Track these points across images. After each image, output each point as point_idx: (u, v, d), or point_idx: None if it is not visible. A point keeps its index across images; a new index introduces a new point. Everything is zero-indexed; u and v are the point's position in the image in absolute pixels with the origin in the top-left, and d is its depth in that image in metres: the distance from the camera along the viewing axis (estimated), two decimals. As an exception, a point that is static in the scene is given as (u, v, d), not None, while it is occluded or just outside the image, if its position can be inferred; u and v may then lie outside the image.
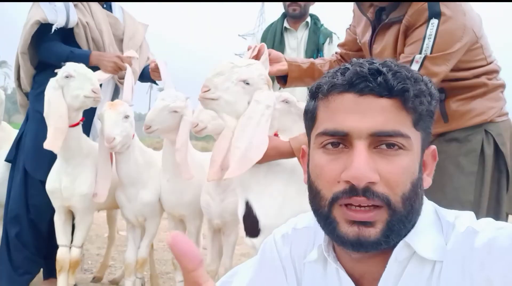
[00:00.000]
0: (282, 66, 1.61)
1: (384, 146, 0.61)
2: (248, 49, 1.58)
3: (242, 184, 1.49)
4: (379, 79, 0.61)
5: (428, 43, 1.29)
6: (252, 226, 1.44)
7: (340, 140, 0.63)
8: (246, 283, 0.81)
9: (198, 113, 1.93)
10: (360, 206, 0.60)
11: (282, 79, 1.68)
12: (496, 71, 1.45)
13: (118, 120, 1.91)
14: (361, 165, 0.59)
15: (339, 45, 1.78)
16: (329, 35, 2.54)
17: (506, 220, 1.41)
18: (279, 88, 2.35)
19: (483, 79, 1.41)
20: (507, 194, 1.40)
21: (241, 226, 1.53)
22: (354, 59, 0.67)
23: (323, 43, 2.51)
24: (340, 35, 2.60)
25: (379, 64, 0.62)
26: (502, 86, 1.46)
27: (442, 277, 0.61)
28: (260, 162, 1.38)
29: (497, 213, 1.38)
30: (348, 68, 0.64)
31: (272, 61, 1.58)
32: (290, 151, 1.40)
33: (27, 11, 2.25)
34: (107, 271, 2.78)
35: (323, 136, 0.64)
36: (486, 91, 1.41)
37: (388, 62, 0.63)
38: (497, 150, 1.39)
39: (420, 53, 1.29)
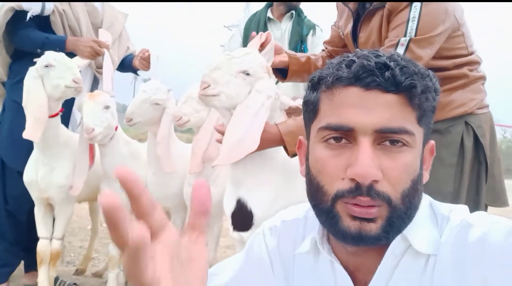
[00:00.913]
0: (283, 58, 1.57)
1: (387, 143, 0.60)
2: (251, 38, 1.52)
3: (234, 180, 1.46)
4: (387, 74, 0.59)
5: (412, 25, 1.29)
6: (244, 220, 1.41)
7: (344, 135, 0.61)
8: (232, 275, 0.81)
9: (181, 106, 1.90)
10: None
11: (279, 73, 1.64)
12: (477, 63, 1.45)
13: (98, 110, 1.87)
14: (367, 162, 0.58)
15: (325, 43, 1.77)
16: (312, 27, 2.53)
17: (485, 211, 1.43)
18: (276, 82, 2.35)
19: (464, 70, 1.41)
20: (486, 185, 1.42)
21: (228, 219, 1.51)
22: (358, 50, 0.66)
23: (307, 35, 2.50)
24: (322, 28, 2.60)
25: (386, 58, 0.61)
26: (482, 78, 1.46)
27: (436, 270, 0.61)
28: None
29: (476, 204, 1.39)
30: (354, 61, 0.61)
31: (274, 52, 1.54)
32: (278, 135, 1.34)
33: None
34: (90, 264, 2.75)
35: (326, 130, 0.62)
36: (467, 82, 1.42)
37: (395, 56, 0.62)
38: (477, 142, 1.40)
39: (405, 35, 1.29)
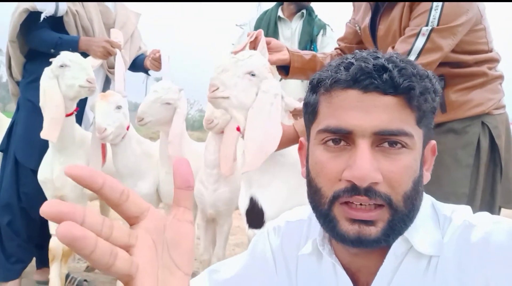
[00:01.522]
0: (283, 55, 1.57)
1: (386, 144, 0.60)
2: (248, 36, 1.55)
3: (246, 178, 1.49)
4: (385, 76, 0.59)
5: (435, 14, 1.27)
6: (257, 218, 1.44)
7: (342, 138, 0.61)
8: (234, 272, 0.82)
9: (213, 109, 1.87)
10: (361, 204, 0.59)
11: (283, 70, 1.65)
12: (496, 61, 1.43)
13: (110, 110, 1.90)
14: (365, 165, 0.58)
15: (339, 40, 1.76)
16: (323, 26, 2.52)
17: (498, 213, 1.41)
18: (280, 79, 2.34)
19: (484, 68, 1.39)
20: (500, 187, 1.40)
21: (237, 217, 1.53)
22: (357, 51, 0.65)
23: (317, 35, 2.49)
24: (333, 28, 2.59)
25: (384, 60, 0.60)
26: (501, 77, 1.44)
27: (438, 271, 0.61)
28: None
29: (490, 206, 1.37)
30: (352, 63, 0.61)
31: (272, 49, 1.55)
32: (295, 134, 1.38)
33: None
34: (101, 260, 2.78)
35: (325, 132, 0.63)
36: (485, 81, 1.39)
37: (393, 58, 0.61)
38: (493, 143, 1.38)
39: (427, 25, 1.27)
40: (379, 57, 0.61)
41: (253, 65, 1.37)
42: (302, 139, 0.73)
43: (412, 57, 1.28)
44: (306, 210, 0.79)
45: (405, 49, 1.30)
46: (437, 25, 1.26)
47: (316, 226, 0.70)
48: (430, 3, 1.27)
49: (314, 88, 0.66)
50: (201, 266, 2.23)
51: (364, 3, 1.54)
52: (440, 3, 1.26)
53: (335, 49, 1.76)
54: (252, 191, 1.46)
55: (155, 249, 0.40)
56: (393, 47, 1.35)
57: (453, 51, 1.34)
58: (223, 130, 1.93)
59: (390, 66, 0.59)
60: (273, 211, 1.41)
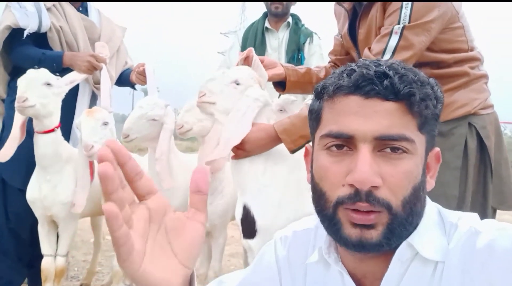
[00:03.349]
0: (278, 70, 1.60)
1: (388, 150, 0.61)
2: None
3: (239, 186, 1.51)
4: (386, 82, 0.60)
5: (406, 12, 1.28)
6: (249, 227, 1.44)
7: (345, 143, 0.63)
8: (238, 282, 0.83)
9: (183, 114, 1.92)
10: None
11: (280, 86, 1.66)
12: (478, 59, 1.43)
13: (96, 127, 1.87)
14: (365, 168, 0.59)
15: (330, 53, 1.78)
16: (309, 35, 2.53)
17: (493, 215, 1.40)
18: (279, 96, 2.35)
19: (465, 67, 1.39)
20: (493, 188, 1.39)
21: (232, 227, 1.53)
22: (361, 59, 0.67)
23: (304, 43, 2.51)
24: (320, 35, 2.60)
25: (385, 67, 0.62)
26: (485, 76, 1.44)
27: (444, 277, 0.61)
28: (251, 151, 1.43)
29: (483, 208, 1.37)
30: (354, 70, 0.63)
31: (266, 67, 1.57)
32: (274, 133, 1.42)
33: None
34: (94, 278, 2.73)
35: (328, 138, 0.64)
36: (468, 81, 1.39)
37: (394, 65, 0.63)
38: (482, 144, 1.38)
39: (399, 23, 1.29)
40: (381, 65, 0.63)
41: (238, 75, 1.45)
42: (307, 146, 0.75)
43: (387, 56, 1.29)
44: (313, 219, 0.80)
45: (380, 48, 1.31)
46: (409, 22, 1.28)
47: (322, 235, 0.72)
48: (400, 2, 1.29)
49: (318, 95, 0.69)
50: (198, 279, 2.20)
51: (342, 11, 1.55)
52: (410, 1, 1.28)
53: (328, 62, 1.77)
54: (245, 199, 1.47)
55: (148, 222, 0.49)
56: (369, 48, 1.36)
57: (432, 50, 1.34)
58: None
59: (391, 72, 0.61)
60: (265, 220, 1.42)
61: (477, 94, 1.40)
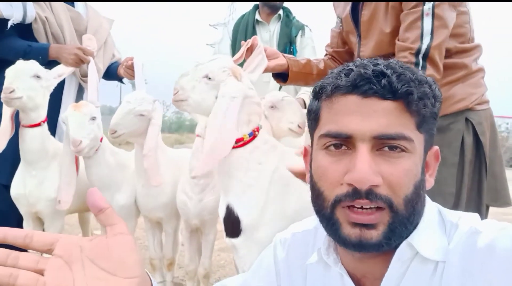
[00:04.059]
0: (280, 61, 1.57)
1: (386, 149, 0.61)
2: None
3: (222, 186, 1.48)
4: (383, 81, 0.61)
5: None
6: (233, 226, 1.43)
7: (343, 142, 0.63)
8: (237, 285, 0.86)
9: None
10: (362, 208, 0.60)
11: (280, 77, 1.64)
12: (478, 51, 1.41)
13: (84, 122, 1.82)
14: (364, 168, 0.59)
15: (326, 46, 1.75)
16: (301, 27, 2.50)
17: (486, 212, 1.39)
18: (280, 87, 2.32)
19: (465, 59, 1.37)
20: (487, 185, 1.38)
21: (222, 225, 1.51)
22: (359, 59, 0.67)
23: (295, 36, 2.48)
24: (313, 27, 2.57)
25: (383, 66, 0.62)
26: (482, 71, 1.42)
27: (444, 277, 0.62)
28: None
29: (477, 205, 1.36)
30: (352, 69, 0.63)
31: (269, 57, 1.54)
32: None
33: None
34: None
35: (326, 137, 0.64)
36: (467, 74, 1.37)
37: (392, 64, 0.63)
38: (477, 140, 1.37)
39: (424, 3, 1.24)
40: (378, 64, 0.63)
41: (209, 69, 1.41)
42: (306, 146, 0.75)
43: (426, 40, 1.25)
44: (312, 221, 0.80)
45: (416, 35, 1.27)
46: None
47: (322, 235, 0.72)
48: None
49: (316, 95, 0.68)
50: (187, 276, 2.19)
51: None
52: None
53: (325, 55, 1.75)
54: (229, 199, 1.45)
55: (68, 268, 0.51)
56: (398, 39, 1.32)
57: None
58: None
59: (388, 71, 0.61)
60: (250, 219, 1.41)
61: (475, 88, 1.38)
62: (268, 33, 2.51)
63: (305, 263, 0.76)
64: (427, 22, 1.25)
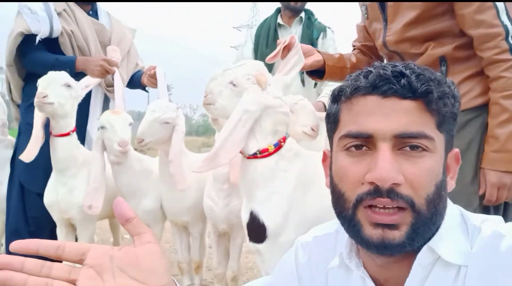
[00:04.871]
0: (317, 57, 1.54)
1: (408, 148, 0.61)
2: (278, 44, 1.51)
3: (245, 193, 1.49)
4: (403, 81, 0.61)
5: None
6: (258, 232, 1.43)
7: (364, 142, 0.63)
8: None
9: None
10: (384, 208, 0.60)
11: (315, 74, 1.60)
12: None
13: (126, 125, 1.93)
14: (386, 166, 0.59)
15: (354, 41, 1.71)
16: (323, 29, 2.49)
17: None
18: (315, 84, 2.29)
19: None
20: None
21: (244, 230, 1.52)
22: (376, 63, 0.67)
23: (317, 38, 2.46)
24: (335, 28, 2.55)
25: (402, 66, 0.63)
26: None
27: (467, 281, 0.60)
28: None
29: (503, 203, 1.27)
30: (371, 71, 0.64)
31: (305, 54, 1.51)
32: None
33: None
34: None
35: (347, 138, 0.64)
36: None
37: (411, 65, 0.63)
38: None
39: None
40: (397, 65, 0.63)
41: (234, 75, 1.41)
42: (325, 150, 0.75)
43: (505, 18, 1.16)
44: (334, 224, 0.80)
45: (492, 15, 1.17)
46: None
47: (343, 239, 0.71)
48: None
49: (335, 98, 0.68)
50: (216, 279, 2.20)
51: None
52: None
53: (353, 49, 1.70)
54: (252, 205, 1.45)
55: (100, 278, 0.51)
56: (469, 27, 1.21)
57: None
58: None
59: (407, 72, 0.61)
60: (275, 226, 1.41)
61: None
62: None
63: (326, 267, 0.75)
64: (504, 17, 1.16)
